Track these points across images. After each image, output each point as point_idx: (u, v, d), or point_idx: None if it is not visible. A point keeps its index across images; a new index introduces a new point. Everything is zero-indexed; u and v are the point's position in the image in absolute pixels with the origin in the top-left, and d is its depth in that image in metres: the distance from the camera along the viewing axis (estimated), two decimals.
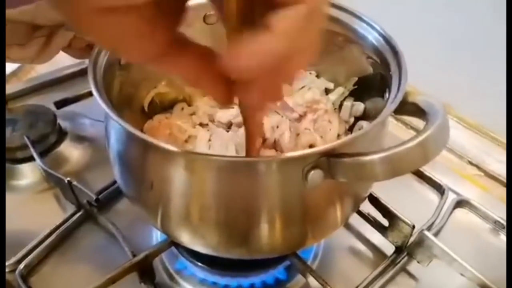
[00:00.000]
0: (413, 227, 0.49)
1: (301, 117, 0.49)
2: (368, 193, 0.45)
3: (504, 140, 0.67)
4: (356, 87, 0.49)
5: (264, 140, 0.47)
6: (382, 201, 0.50)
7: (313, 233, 0.40)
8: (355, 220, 0.53)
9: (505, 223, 0.55)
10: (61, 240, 0.53)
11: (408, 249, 0.51)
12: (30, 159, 0.60)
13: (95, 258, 0.51)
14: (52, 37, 0.41)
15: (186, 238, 0.40)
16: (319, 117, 0.49)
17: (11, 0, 0.37)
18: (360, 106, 0.49)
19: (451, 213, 0.57)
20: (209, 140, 0.47)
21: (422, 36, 0.71)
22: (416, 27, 0.71)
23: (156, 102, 0.51)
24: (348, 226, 0.55)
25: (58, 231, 0.53)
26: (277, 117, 0.50)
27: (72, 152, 0.64)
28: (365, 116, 0.49)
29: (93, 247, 0.53)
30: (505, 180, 0.62)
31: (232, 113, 0.49)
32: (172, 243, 0.48)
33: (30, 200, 0.59)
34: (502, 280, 0.45)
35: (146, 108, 0.50)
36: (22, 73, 0.80)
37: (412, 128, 0.70)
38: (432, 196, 0.59)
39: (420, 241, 0.49)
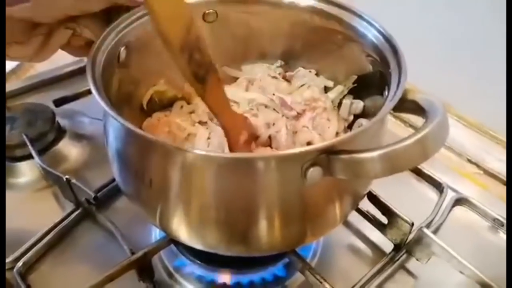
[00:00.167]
0: (412, 224, 0.49)
1: (299, 115, 0.49)
2: (367, 191, 0.45)
3: (504, 138, 0.67)
4: (355, 85, 0.49)
5: (257, 137, 0.47)
6: (381, 199, 0.50)
7: (312, 230, 0.40)
8: (354, 218, 0.54)
9: (504, 221, 0.55)
10: (60, 238, 0.53)
11: (407, 247, 0.51)
12: (29, 157, 0.60)
13: (94, 256, 0.52)
14: (51, 35, 0.41)
15: (185, 236, 0.40)
16: (318, 115, 0.49)
17: None
18: (359, 104, 0.49)
19: (450, 211, 0.57)
20: (208, 138, 0.47)
21: (422, 36, 0.71)
22: (416, 26, 0.71)
23: (155, 100, 0.51)
24: (347, 224, 0.55)
25: (56, 229, 0.53)
26: (273, 114, 0.50)
27: (70, 150, 0.64)
28: (365, 114, 0.49)
29: (91, 245, 0.53)
30: (504, 178, 0.62)
31: None
32: (171, 240, 0.48)
33: (29, 198, 0.59)
34: (501, 277, 0.45)
35: (145, 106, 0.50)
36: (21, 71, 0.80)
37: (411, 126, 0.70)
38: (431, 194, 0.60)
39: (419, 239, 0.49)
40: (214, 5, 0.49)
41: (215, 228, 0.38)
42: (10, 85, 0.74)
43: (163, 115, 0.50)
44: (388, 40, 0.41)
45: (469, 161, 0.65)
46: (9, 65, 0.79)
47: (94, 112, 0.67)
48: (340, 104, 0.50)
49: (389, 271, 0.50)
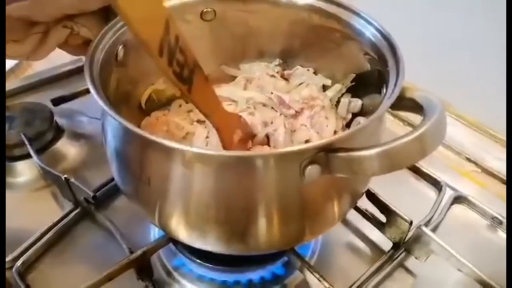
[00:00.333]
0: (411, 223, 0.49)
1: (297, 113, 0.49)
2: (365, 189, 0.45)
3: (502, 137, 0.67)
4: (353, 83, 0.49)
5: (254, 135, 0.47)
6: (380, 197, 0.50)
7: (311, 228, 0.40)
8: (353, 216, 0.54)
9: (502, 219, 0.55)
10: (59, 237, 0.53)
11: (406, 245, 0.51)
12: (27, 156, 0.60)
13: (93, 255, 0.52)
14: (48, 33, 0.41)
15: (184, 235, 0.40)
16: (316, 113, 0.49)
17: None
18: (357, 103, 0.49)
19: (448, 209, 0.57)
20: (207, 137, 0.47)
21: (420, 34, 0.71)
22: (415, 25, 0.71)
23: (154, 98, 0.51)
24: (345, 222, 0.55)
25: (55, 228, 0.53)
26: (271, 112, 0.50)
27: (69, 150, 0.64)
28: (363, 112, 0.49)
29: (90, 244, 0.53)
30: (503, 177, 0.62)
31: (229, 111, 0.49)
32: (169, 239, 0.48)
33: (27, 197, 0.59)
34: (499, 275, 0.45)
35: (143, 105, 0.50)
36: (19, 70, 0.80)
37: (409, 124, 0.70)
38: (430, 192, 0.60)
39: (418, 237, 0.49)
40: (212, 4, 0.49)
41: (214, 227, 0.38)
42: (8, 85, 0.74)
43: (161, 114, 0.50)
44: (386, 38, 0.41)
45: (468, 159, 0.65)
46: (8, 64, 0.79)
47: (92, 111, 0.67)
48: (338, 102, 0.50)
49: (388, 269, 0.50)
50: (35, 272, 0.50)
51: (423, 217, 0.54)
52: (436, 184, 0.60)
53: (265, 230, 0.37)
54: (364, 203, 0.51)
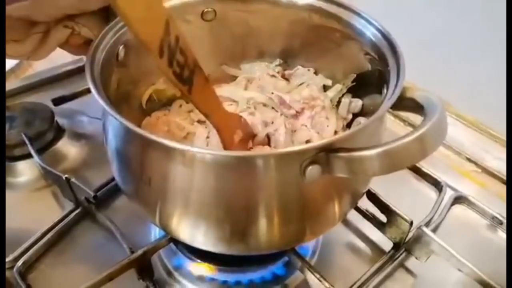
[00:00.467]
0: (411, 223, 0.49)
1: (298, 113, 0.49)
2: (366, 189, 0.45)
3: (502, 137, 0.67)
4: (354, 83, 0.49)
5: (254, 135, 0.47)
6: (380, 198, 0.50)
7: (311, 229, 0.40)
8: (353, 216, 0.54)
9: (502, 219, 0.55)
10: (59, 237, 0.53)
11: (406, 245, 0.51)
12: (28, 156, 0.60)
13: (93, 255, 0.52)
14: (49, 33, 0.41)
15: (184, 234, 0.40)
16: (317, 113, 0.49)
17: None
18: (358, 103, 0.49)
19: (449, 209, 0.57)
20: (207, 137, 0.47)
21: (421, 34, 0.71)
22: (415, 25, 0.71)
23: (154, 98, 0.51)
24: (346, 222, 0.55)
25: (56, 228, 0.53)
26: (271, 112, 0.50)
27: (70, 149, 0.64)
28: (363, 112, 0.49)
29: (91, 244, 0.53)
30: (503, 177, 0.62)
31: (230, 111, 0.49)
32: (170, 239, 0.48)
33: (28, 197, 0.59)
34: (500, 275, 0.45)
35: (144, 105, 0.50)
36: (19, 70, 0.80)
37: (410, 125, 0.70)
38: (430, 192, 0.60)
39: (418, 237, 0.49)
40: (212, 4, 0.49)
41: (215, 227, 0.38)
42: (9, 84, 0.74)
43: (162, 114, 0.50)
44: (386, 38, 0.41)
45: (468, 159, 0.65)
46: (8, 64, 0.79)
47: (93, 111, 0.67)
48: (339, 102, 0.50)
49: (388, 269, 0.50)
50: (36, 272, 0.50)
51: (423, 217, 0.54)
52: (436, 184, 0.60)
53: (266, 230, 0.37)
54: (365, 203, 0.51)
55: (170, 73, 0.36)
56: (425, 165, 0.61)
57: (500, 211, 0.56)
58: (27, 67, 0.81)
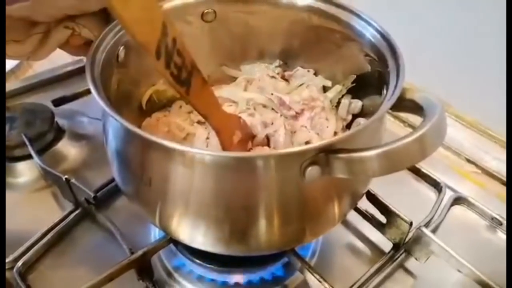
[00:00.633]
0: (411, 224, 0.49)
1: (298, 114, 0.49)
2: (365, 190, 0.45)
3: (502, 137, 0.67)
4: (354, 84, 0.49)
5: (254, 136, 0.47)
6: (380, 198, 0.50)
7: (311, 229, 0.40)
8: (353, 217, 0.54)
9: (501, 220, 0.55)
10: (59, 238, 0.53)
11: (406, 246, 0.51)
12: (28, 157, 0.60)
13: (93, 256, 0.52)
14: (49, 34, 0.41)
15: (184, 235, 0.40)
16: (316, 114, 0.49)
17: None
18: (358, 104, 0.49)
19: (448, 210, 0.57)
20: (207, 138, 0.47)
21: (420, 35, 0.71)
22: (415, 26, 0.71)
23: (154, 99, 0.51)
24: (346, 223, 0.55)
25: (56, 229, 0.53)
26: (271, 113, 0.50)
27: (70, 150, 0.64)
28: (363, 113, 0.49)
29: (91, 244, 0.53)
30: (502, 178, 0.62)
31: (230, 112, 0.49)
32: (170, 240, 0.48)
33: (28, 198, 0.59)
34: (499, 275, 0.45)
35: (144, 106, 0.50)
36: (20, 71, 0.80)
37: (409, 125, 0.70)
38: (430, 193, 0.60)
39: (418, 238, 0.49)
40: (212, 5, 0.50)
41: (214, 227, 0.38)
42: (9, 85, 0.74)
43: (162, 115, 0.51)
44: (386, 39, 0.41)
45: (468, 160, 0.65)
46: (8, 65, 0.79)
47: (93, 112, 0.68)
48: (338, 103, 0.50)
49: (388, 270, 0.50)
50: (36, 272, 0.50)
51: (423, 218, 0.54)
52: (436, 185, 0.60)
53: (266, 231, 0.37)
54: (364, 204, 0.51)
55: (168, 74, 0.36)
56: (424, 166, 0.61)
57: (500, 212, 0.56)
58: (27, 67, 0.81)
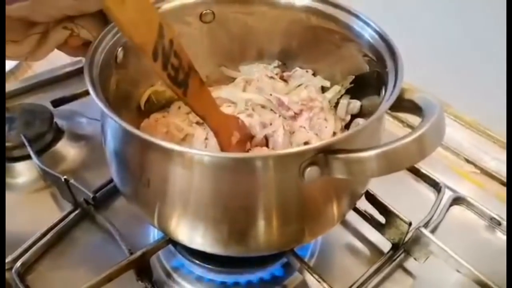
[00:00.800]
0: (410, 224, 0.49)
1: (296, 115, 0.49)
2: (364, 190, 0.45)
3: (501, 138, 0.67)
4: (352, 85, 0.49)
5: (252, 137, 0.47)
6: (379, 198, 0.50)
7: (310, 230, 0.40)
8: (352, 217, 0.54)
9: (501, 220, 0.55)
10: (58, 238, 0.53)
11: (405, 246, 0.51)
12: (27, 157, 0.60)
13: (92, 256, 0.52)
14: (47, 34, 0.41)
15: (183, 236, 0.40)
16: (315, 115, 0.49)
17: None
18: (356, 104, 0.49)
19: (447, 210, 0.57)
20: (206, 138, 0.47)
21: (419, 36, 0.71)
22: (414, 26, 0.71)
23: (153, 100, 0.51)
24: (345, 223, 0.55)
25: (55, 230, 0.53)
26: (270, 114, 0.50)
27: (69, 151, 0.64)
28: (362, 114, 0.49)
29: (90, 245, 0.53)
30: (501, 178, 0.62)
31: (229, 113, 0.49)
32: (169, 240, 0.48)
33: (27, 198, 0.59)
34: (498, 276, 0.45)
35: (142, 107, 0.50)
36: (19, 72, 0.80)
37: (408, 126, 0.70)
38: (429, 193, 0.60)
39: (417, 238, 0.49)
40: (211, 5, 0.50)
41: (213, 228, 0.38)
42: (8, 86, 0.74)
43: (161, 115, 0.51)
44: (384, 39, 0.41)
45: (467, 160, 0.65)
46: (8, 65, 0.79)
47: (92, 112, 0.68)
48: (337, 104, 0.50)
49: (387, 270, 0.50)
50: (35, 273, 0.50)
51: (422, 218, 0.54)
52: (435, 185, 0.60)
53: (264, 232, 0.37)
54: (363, 204, 0.51)
55: (165, 76, 0.36)
56: (423, 166, 0.61)
57: (499, 212, 0.56)
58: (27, 68, 0.81)
